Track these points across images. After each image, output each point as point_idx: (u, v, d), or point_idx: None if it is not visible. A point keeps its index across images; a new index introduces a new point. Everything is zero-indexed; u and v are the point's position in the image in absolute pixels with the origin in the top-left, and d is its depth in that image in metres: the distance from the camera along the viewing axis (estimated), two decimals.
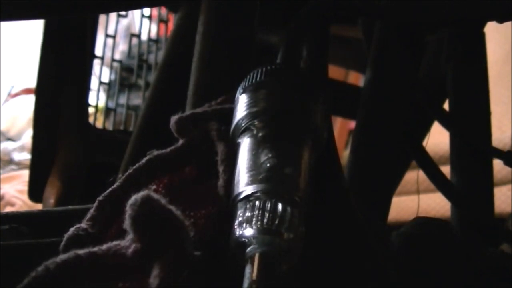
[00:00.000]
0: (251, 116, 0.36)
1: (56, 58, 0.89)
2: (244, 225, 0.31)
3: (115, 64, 1.31)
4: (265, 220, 0.31)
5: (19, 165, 1.94)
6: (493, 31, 0.69)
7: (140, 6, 0.89)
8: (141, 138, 0.72)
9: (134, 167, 0.39)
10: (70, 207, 0.47)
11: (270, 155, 0.34)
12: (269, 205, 0.31)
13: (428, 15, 0.51)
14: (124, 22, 1.88)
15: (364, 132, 0.57)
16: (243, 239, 0.31)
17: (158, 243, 0.30)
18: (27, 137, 1.96)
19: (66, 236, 0.35)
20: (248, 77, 0.38)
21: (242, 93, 0.37)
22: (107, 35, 1.19)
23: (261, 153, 0.34)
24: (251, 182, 0.33)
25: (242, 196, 0.33)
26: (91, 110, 1.04)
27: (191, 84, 0.50)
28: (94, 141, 0.98)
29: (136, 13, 1.63)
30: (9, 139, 2.04)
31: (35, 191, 0.92)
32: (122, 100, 1.30)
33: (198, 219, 0.34)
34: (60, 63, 0.89)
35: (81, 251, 0.30)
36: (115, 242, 0.32)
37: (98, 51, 1.06)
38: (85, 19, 0.89)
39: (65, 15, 0.75)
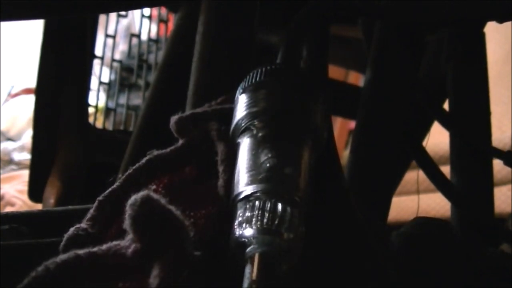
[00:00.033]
0: (251, 116, 0.36)
1: (56, 58, 0.89)
2: (244, 225, 0.31)
3: (115, 64, 1.31)
4: (265, 220, 0.31)
5: (19, 165, 1.94)
6: (493, 31, 0.69)
7: (140, 6, 0.89)
8: (141, 138, 0.72)
9: (134, 167, 0.39)
10: (70, 207, 0.47)
11: (270, 155, 0.34)
12: (269, 205, 0.31)
13: (428, 15, 0.51)
14: (124, 22, 1.88)
15: (364, 132, 0.57)
16: (243, 239, 0.31)
17: (158, 243, 0.30)
18: (27, 137, 1.96)
19: (66, 236, 0.35)
20: (248, 77, 0.38)
21: (242, 93, 0.37)
22: (107, 35, 1.19)
23: (261, 153, 0.34)
24: (251, 182, 0.33)
25: (242, 196, 0.33)
26: (91, 110, 1.04)
27: (191, 84, 0.50)
28: (94, 141, 0.98)
29: (136, 13, 1.63)
30: (9, 139, 2.04)
31: (35, 191, 0.92)
32: (122, 100, 1.30)
33: (198, 219, 0.34)
34: (60, 63, 0.89)
35: (81, 251, 0.30)
36: (115, 242, 0.32)
37: (98, 51, 1.06)
38: (85, 19, 0.89)
39: (65, 15, 0.75)
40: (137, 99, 1.36)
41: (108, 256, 0.31)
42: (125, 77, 1.44)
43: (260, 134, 0.35)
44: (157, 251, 0.30)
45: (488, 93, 0.63)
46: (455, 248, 0.43)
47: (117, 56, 1.50)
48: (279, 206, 0.31)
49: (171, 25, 1.25)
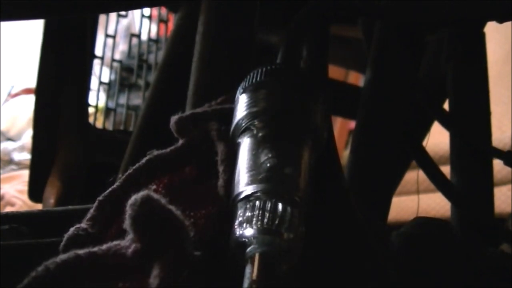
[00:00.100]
0: (251, 116, 0.36)
1: (56, 58, 0.89)
2: (244, 225, 0.31)
3: (115, 64, 1.31)
4: (265, 220, 0.31)
5: (19, 165, 1.94)
6: (493, 31, 0.69)
7: (140, 6, 0.89)
8: (141, 138, 0.72)
9: (134, 167, 0.39)
10: (70, 207, 0.47)
11: (270, 155, 0.34)
12: (269, 205, 0.31)
13: (428, 15, 0.51)
14: (124, 22, 1.88)
15: (364, 132, 0.57)
16: (243, 239, 0.31)
17: (158, 243, 0.30)
18: (27, 137, 1.96)
19: (66, 236, 0.35)
20: (248, 77, 0.38)
21: (242, 93, 0.37)
22: (107, 35, 1.19)
23: (261, 153, 0.34)
24: (251, 182, 0.33)
25: (242, 196, 0.33)
26: (91, 110, 1.04)
27: (191, 84, 0.50)
28: (94, 141, 0.98)
29: (136, 13, 1.63)
30: (9, 139, 2.04)
31: (35, 191, 0.92)
32: (122, 100, 1.30)
33: (198, 219, 0.34)
34: (60, 63, 0.89)
35: (81, 251, 0.30)
36: (115, 242, 0.32)
37: (98, 51, 1.06)
38: (85, 19, 0.89)
39: (65, 15, 0.75)
40: (137, 99, 1.36)
41: (108, 256, 0.31)
42: (125, 77, 1.44)
43: (260, 134, 0.35)
44: (157, 251, 0.30)
45: (488, 93, 0.63)
46: (455, 248, 0.43)
47: (117, 56, 1.50)
48: (279, 206, 0.31)
49: (171, 25, 1.25)
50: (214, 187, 0.37)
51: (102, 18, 1.14)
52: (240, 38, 0.51)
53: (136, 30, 1.51)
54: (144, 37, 1.28)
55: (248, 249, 0.31)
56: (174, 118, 0.42)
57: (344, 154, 0.98)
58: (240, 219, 0.32)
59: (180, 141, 0.41)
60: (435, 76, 0.67)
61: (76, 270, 0.30)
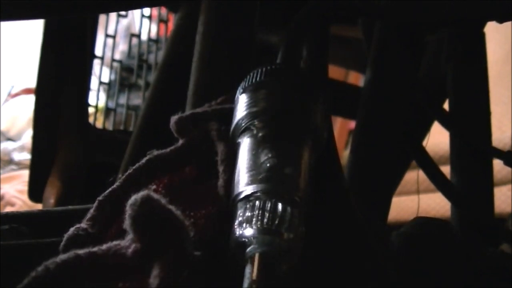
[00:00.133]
0: (251, 116, 0.36)
1: (56, 58, 0.89)
2: (244, 225, 0.31)
3: (115, 64, 1.31)
4: (265, 220, 0.31)
5: (19, 165, 1.94)
6: (493, 31, 0.69)
7: (140, 6, 0.89)
8: (141, 138, 0.72)
9: (134, 167, 0.39)
10: (70, 207, 0.47)
11: (270, 155, 0.34)
12: (269, 205, 0.31)
13: (428, 15, 0.51)
14: (124, 22, 1.88)
15: (364, 132, 0.57)
16: (243, 239, 0.31)
17: (158, 243, 0.30)
18: (27, 137, 1.96)
19: (66, 236, 0.35)
20: (248, 77, 0.38)
21: (242, 93, 0.37)
22: (107, 35, 1.19)
23: (261, 153, 0.34)
24: (251, 182, 0.33)
25: (242, 196, 0.33)
26: (91, 110, 1.04)
27: (191, 84, 0.50)
28: (94, 141, 0.98)
29: (136, 13, 1.63)
30: (9, 139, 2.04)
31: (35, 191, 0.92)
32: (122, 100, 1.30)
33: (198, 219, 0.34)
34: (60, 63, 0.89)
35: (81, 251, 0.30)
36: (115, 242, 0.32)
37: (98, 51, 1.06)
38: (85, 19, 0.89)
39: (65, 15, 0.75)
40: (137, 99, 1.36)
41: (108, 256, 0.31)
42: (125, 77, 1.44)
43: (260, 134, 0.35)
44: (157, 251, 0.30)
45: (488, 93, 0.63)
46: (455, 248, 0.43)
47: (117, 56, 1.50)
48: (279, 206, 0.31)
49: (171, 25, 1.25)
50: (214, 187, 0.37)
51: (102, 18, 1.14)
52: (240, 38, 0.51)
53: (136, 30, 1.51)
54: (144, 37, 1.28)
55: (248, 249, 0.31)
56: (174, 118, 0.42)
57: (344, 154, 0.98)
58: (240, 219, 0.32)
59: (180, 141, 0.41)
60: (435, 76, 0.67)
61: (76, 270, 0.30)
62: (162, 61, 0.78)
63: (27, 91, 2.15)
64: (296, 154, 0.35)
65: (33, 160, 0.94)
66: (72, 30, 0.89)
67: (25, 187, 1.43)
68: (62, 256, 0.30)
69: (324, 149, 0.38)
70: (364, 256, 0.39)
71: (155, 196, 0.31)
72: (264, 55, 0.51)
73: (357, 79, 2.03)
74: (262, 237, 0.30)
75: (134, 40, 1.43)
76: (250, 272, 0.30)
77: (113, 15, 1.22)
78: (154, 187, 0.37)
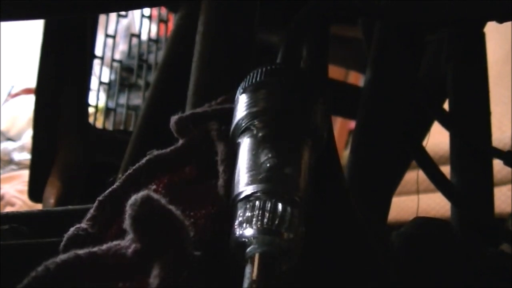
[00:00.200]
0: (251, 116, 0.36)
1: (56, 58, 0.89)
2: (244, 225, 0.31)
3: (115, 64, 1.31)
4: (265, 220, 0.31)
5: (19, 165, 1.94)
6: (493, 31, 0.69)
7: (140, 6, 0.89)
8: (141, 138, 0.71)
9: (134, 167, 0.39)
10: (70, 207, 0.47)
11: (270, 155, 0.34)
12: (269, 205, 0.31)
13: (428, 15, 0.51)
14: (124, 22, 1.88)
15: (364, 132, 0.57)
16: (243, 239, 0.31)
17: (158, 243, 0.30)
18: (27, 137, 1.96)
19: (66, 236, 0.35)
20: (248, 77, 0.38)
21: (242, 93, 0.37)
22: (107, 35, 1.19)
23: (261, 153, 0.34)
24: (251, 182, 0.33)
25: (242, 196, 0.33)
26: (91, 110, 1.04)
27: (191, 84, 0.50)
28: (94, 141, 0.98)
29: (136, 13, 1.63)
30: (9, 139, 2.04)
31: (35, 191, 0.92)
32: (122, 100, 1.30)
33: (198, 219, 0.34)
34: (60, 63, 0.89)
35: (81, 251, 0.30)
36: (115, 242, 0.32)
37: (98, 51, 1.06)
38: (85, 19, 0.89)
39: (65, 15, 0.75)
40: (137, 99, 1.36)
41: (108, 256, 0.31)
42: (125, 77, 1.44)
43: (260, 134, 0.35)
44: (157, 251, 0.30)
45: (488, 93, 0.63)
46: (455, 248, 0.43)
47: (117, 56, 1.50)
48: (279, 206, 0.31)
49: (171, 25, 1.25)
50: (214, 187, 0.37)
51: (102, 18, 1.14)
52: (240, 38, 0.51)
53: (136, 30, 1.51)
54: (144, 37, 1.28)
55: (248, 249, 0.31)
56: (174, 118, 0.42)
57: (344, 154, 0.98)
58: (240, 219, 0.32)
59: (180, 141, 0.41)
60: (435, 76, 0.67)
61: (76, 270, 0.30)
62: (162, 61, 0.78)
63: (27, 91, 2.15)
64: (296, 154, 0.35)
65: (33, 160, 0.94)
66: (72, 30, 0.89)
67: (25, 187, 1.43)
68: (62, 256, 0.30)
69: (324, 149, 0.38)
70: (364, 256, 0.39)
71: (155, 196, 0.31)
72: (264, 55, 0.51)
73: (357, 79, 2.03)
74: (262, 237, 0.30)
75: (134, 40, 1.43)
76: (250, 272, 0.30)
77: (113, 15, 1.22)
78: (154, 187, 0.37)
